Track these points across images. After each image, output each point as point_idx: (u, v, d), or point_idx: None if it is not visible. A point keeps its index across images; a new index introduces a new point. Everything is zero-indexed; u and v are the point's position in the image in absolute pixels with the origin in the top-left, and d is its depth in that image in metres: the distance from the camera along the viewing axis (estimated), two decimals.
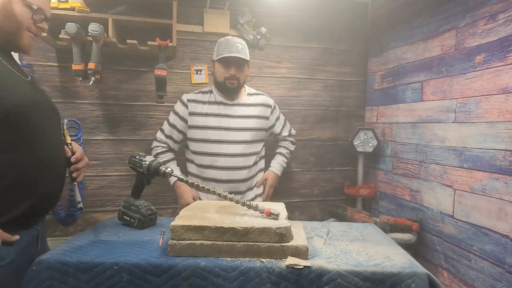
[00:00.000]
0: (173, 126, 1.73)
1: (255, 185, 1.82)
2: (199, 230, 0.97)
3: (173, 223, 0.97)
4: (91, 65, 1.75)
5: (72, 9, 1.76)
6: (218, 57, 1.61)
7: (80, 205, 1.18)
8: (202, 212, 1.09)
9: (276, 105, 1.86)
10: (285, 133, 1.92)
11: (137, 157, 1.18)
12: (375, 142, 2.20)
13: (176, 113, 1.73)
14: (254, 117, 1.72)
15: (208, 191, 1.10)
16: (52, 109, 1.09)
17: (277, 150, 1.97)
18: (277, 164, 1.92)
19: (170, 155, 1.75)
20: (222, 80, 1.64)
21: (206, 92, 1.75)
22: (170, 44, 1.90)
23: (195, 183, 1.11)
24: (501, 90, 1.39)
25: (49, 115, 1.05)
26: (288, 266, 0.93)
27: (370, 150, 2.21)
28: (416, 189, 1.89)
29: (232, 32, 2.19)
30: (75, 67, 1.77)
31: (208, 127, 1.66)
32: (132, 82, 2.09)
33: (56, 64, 1.97)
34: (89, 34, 1.72)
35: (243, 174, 1.72)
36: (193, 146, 1.71)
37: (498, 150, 1.39)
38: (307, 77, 2.35)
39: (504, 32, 1.39)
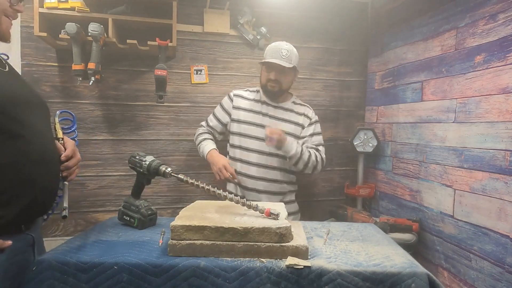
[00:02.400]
0: (216, 118, 1.85)
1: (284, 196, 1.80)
2: (199, 230, 0.97)
3: (173, 223, 0.97)
4: (91, 65, 1.75)
5: (72, 9, 1.76)
6: (262, 61, 1.71)
7: (65, 213, 1.05)
8: (202, 212, 1.09)
9: (318, 122, 1.85)
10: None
11: (137, 157, 1.18)
12: (375, 142, 2.20)
13: (222, 106, 1.85)
14: (292, 123, 1.78)
15: (208, 191, 1.10)
16: (35, 100, 1.02)
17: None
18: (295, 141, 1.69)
19: (210, 135, 1.85)
20: (264, 82, 1.74)
21: (253, 91, 1.86)
22: (170, 44, 1.90)
23: (195, 183, 1.11)
24: (501, 90, 1.39)
25: (31, 107, 0.98)
26: (288, 266, 0.93)
27: (370, 150, 2.21)
28: (416, 189, 1.89)
29: (232, 32, 2.19)
30: (75, 67, 1.77)
31: (248, 122, 1.75)
32: (132, 82, 2.09)
33: (56, 64, 1.97)
34: (89, 34, 1.72)
35: (276, 174, 1.76)
36: (233, 139, 1.79)
37: (498, 150, 1.39)
38: (307, 77, 2.35)
39: (504, 32, 1.39)
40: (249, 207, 1.06)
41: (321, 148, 1.81)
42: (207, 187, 1.10)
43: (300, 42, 2.32)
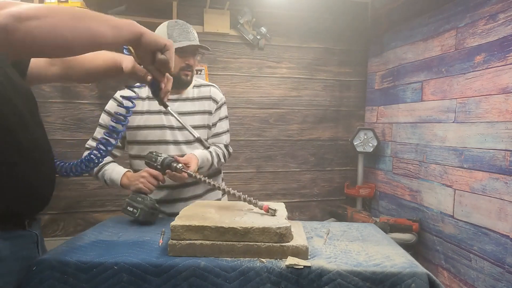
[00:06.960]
0: (104, 128, 1.40)
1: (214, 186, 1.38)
2: (199, 230, 0.97)
3: (173, 223, 0.97)
4: None
5: None
6: (176, 46, 1.30)
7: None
8: (202, 212, 1.09)
9: (225, 104, 1.55)
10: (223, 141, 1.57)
11: (154, 153, 1.25)
12: (375, 142, 2.20)
13: (108, 113, 1.42)
14: (199, 113, 1.47)
15: (219, 188, 1.12)
16: (22, 92, 0.98)
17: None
18: (200, 152, 1.43)
19: (107, 159, 1.40)
20: (176, 71, 1.38)
21: (143, 86, 1.43)
22: None
23: (202, 178, 1.13)
24: (501, 90, 1.39)
25: (18, 101, 0.94)
26: (288, 266, 0.93)
27: (370, 150, 2.21)
28: (416, 189, 1.89)
29: (232, 32, 2.19)
30: None
31: (149, 126, 1.42)
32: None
33: None
34: None
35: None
36: (134, 150, 1.44)
37: (498, 150, 1.39)
38: (307, 77, 2.35)
39: (504, 32, 1.39)
40: (250, 202, 1.07)
41: (225, 137, 1.54)
42: (217, 184, 1.13)
43: (300, 42, 2.32)
